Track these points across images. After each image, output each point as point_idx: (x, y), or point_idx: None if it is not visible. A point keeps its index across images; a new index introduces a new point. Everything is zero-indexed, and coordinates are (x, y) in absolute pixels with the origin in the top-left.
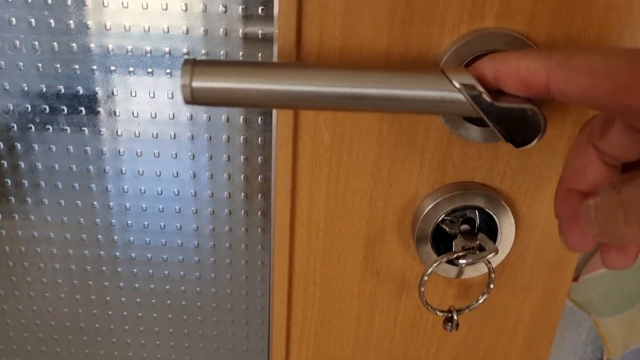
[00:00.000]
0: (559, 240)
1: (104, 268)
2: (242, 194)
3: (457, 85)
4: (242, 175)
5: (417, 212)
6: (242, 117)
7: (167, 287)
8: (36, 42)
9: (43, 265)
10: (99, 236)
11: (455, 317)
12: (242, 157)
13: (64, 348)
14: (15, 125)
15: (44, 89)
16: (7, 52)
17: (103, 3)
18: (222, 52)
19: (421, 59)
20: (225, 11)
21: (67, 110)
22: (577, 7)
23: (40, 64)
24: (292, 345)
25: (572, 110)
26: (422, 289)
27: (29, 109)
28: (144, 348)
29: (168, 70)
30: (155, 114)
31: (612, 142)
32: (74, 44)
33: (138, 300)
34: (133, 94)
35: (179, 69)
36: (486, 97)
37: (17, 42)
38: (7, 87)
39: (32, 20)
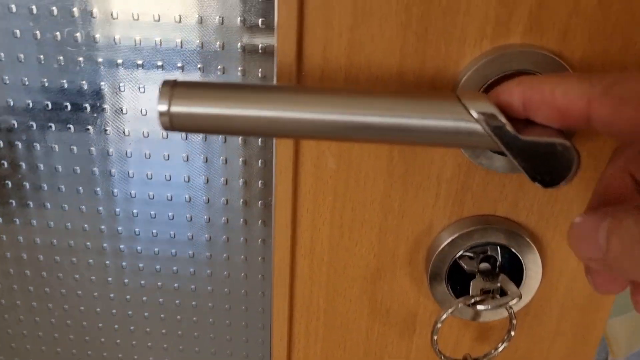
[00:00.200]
0: None
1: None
2: (242, 219)
3: (475, 114)
4: (242, 200)
5: (432, 247)
6: (240, 137)
7: (162, 315)
8: (22, 55)
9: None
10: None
11: None
12: (241, 180)
13: None
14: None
15: (31, 104)
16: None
17: (92, 14)
18: (219, 66)
19: (438, 79)
20: (222, 22)
21: (54, 127)
22: (618, 20)
23: (26, 78)
24: None
25: (608, 138)
26: (435, 337)
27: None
28: None
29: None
30: (148, 133)
31: None
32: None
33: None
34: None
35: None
36: (509, 129)
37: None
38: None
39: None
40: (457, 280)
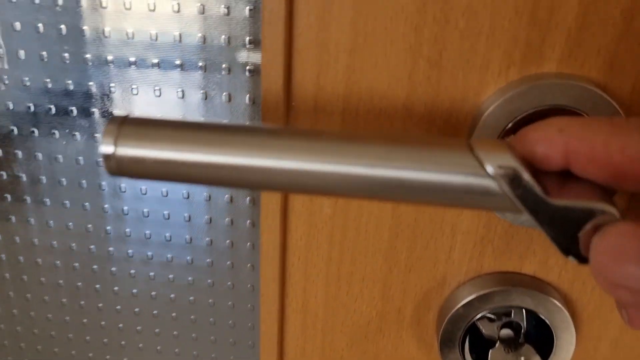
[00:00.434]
0: (637, 353)
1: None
2: (229, 262)
3: (490, 170)
4: (228, 241)
5: (444, 307)
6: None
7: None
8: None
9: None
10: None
11: None
12: (227, 219)
13: None
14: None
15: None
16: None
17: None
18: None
19: (453, 114)
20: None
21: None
22: None
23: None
24: None
25: None
26: None
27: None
28: None
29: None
30: None
31: None
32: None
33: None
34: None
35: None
36: (536, 190)
37: None
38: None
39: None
40: (474, 347)
